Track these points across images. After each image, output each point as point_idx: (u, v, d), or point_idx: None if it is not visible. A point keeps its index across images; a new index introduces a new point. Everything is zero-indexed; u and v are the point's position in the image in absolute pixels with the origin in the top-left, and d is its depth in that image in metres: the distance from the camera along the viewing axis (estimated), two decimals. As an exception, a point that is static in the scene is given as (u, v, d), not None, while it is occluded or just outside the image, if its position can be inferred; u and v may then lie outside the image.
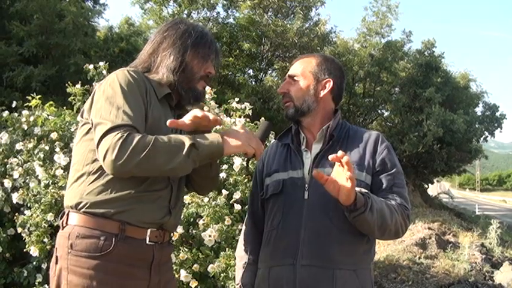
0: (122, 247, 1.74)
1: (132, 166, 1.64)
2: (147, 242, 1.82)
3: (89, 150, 1.79)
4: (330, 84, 2.10)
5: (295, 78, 2.12)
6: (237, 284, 2.19)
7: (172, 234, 1.97)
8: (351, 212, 1.81)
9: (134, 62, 2.01)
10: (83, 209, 1.76)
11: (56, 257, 1.78)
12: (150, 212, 1.83)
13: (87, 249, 1.72)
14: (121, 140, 1.63)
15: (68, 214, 1.81)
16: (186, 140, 1.71)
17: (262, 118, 2.15)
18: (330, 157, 1.71)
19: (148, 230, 1.82)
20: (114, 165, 1.64)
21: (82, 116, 1.89)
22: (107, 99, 1.76)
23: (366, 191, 1.86)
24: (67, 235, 1.75)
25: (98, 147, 1.69)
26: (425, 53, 21.00)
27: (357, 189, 1.81)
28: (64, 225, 1.81)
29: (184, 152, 1.69)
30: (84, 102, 4.43)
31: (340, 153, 1.69)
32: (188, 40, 1.95)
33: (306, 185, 2.00)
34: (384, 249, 7.98)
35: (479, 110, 23.86)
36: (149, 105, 1.84)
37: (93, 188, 1.76)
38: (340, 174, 1.73)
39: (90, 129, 1.80)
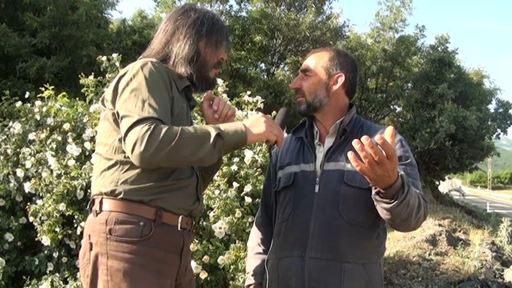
0: (159, 232, 1.78)
1: (160, 157, 1.65)
2: (179, 228, 1.85)
3: (118, 139, 1.80)
4: (341, 79, 2.09)
5: (307, 73, 2.11)
6: (248, 273, 2.20)
7: (194, 223, 2.01)
8: (387, 195, 1.68)
9: (147, 52, 2.00)
10: (120, 196, 1.77)
11: (90, 244, 1.78)
12: (183, 199, 1.87)
13: (127, 234, 1.74)
14: (149, 132, 1.63)
15: (101, 201, 1.81)
16: (212, 130, 1.72)
17: (282, 109, 2.15)
18: (357, 142, 1.52)
19: (180, 217, 1.85)
20: (142, 157, 1.64)
21: (104, 105, 1.89)
22: (131, 91, 1.76)
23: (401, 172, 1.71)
24: (103, 221, 1.76)
25: (124, 139, 1.69)
26: (439, 48, 20.74)
27: None
28: (98, 211, 1.81)
29: (210, 142, 1.70)
30: (97, 93, 4.48)
31: (365, 140, 1.51)
32: (201, 29, 1.95)
33: (317, 179, 2.00)
34: (393, 245, 7.95)
35: (492, 107, 23.60)
36: (174, 98, 1.85)
37: (128, 177, 1.78)
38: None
39: (116, 119, 1.80)
